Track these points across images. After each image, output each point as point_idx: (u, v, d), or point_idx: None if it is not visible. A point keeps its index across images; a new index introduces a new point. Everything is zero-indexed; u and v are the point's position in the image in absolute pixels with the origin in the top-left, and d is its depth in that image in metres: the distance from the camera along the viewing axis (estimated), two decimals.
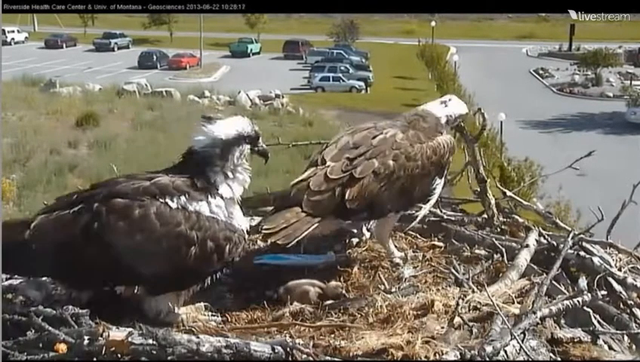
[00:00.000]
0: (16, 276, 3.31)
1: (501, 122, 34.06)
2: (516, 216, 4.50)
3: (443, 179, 4.06)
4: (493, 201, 4.48)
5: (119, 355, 2.58)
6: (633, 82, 53.24)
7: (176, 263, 3.02)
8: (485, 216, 4.52)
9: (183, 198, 3.07)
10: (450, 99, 4.27)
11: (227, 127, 3.20)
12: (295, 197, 3.61)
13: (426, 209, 4.05)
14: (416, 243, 4.29)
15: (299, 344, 2.70)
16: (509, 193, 4.65)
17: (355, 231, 4.33)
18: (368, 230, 4.37)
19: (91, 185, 3.29)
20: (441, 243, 4.27)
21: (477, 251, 4.09)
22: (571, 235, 3.90)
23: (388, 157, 3.79)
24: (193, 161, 3.17)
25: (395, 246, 4.12)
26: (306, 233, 3.58)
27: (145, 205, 3.01)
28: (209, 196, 3.13)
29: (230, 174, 3.21)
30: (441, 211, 4.57)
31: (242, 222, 3.25)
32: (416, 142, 3.90)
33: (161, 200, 3.03)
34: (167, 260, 3.00)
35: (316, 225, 3.61)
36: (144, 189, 3.05)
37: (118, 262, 2.95)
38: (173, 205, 3.04)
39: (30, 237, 3.00)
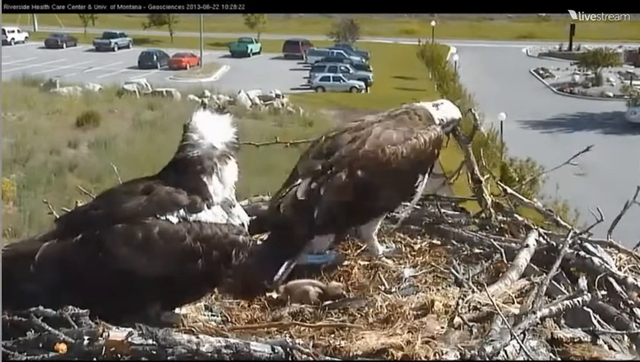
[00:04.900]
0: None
1: (501, 122, 34.08)
2: (516, 216, 4.50)
3: (426, 174, 4.01)
4: (489, 202, 4.48)
5: (119, 355, 2.58)
6: (633, 82, 53.22)
7: (185, 277, 3.00)
8: (483, 216, 4.51)
9: (182, 211, 3.03)
10: (442, 103, 4.27)
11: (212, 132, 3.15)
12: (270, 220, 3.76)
13: (410, 207, 4.03)
14: (415, 243, 4.29)
15: (299, 344, 2.70)
16: (509, 190, 4.64)
17: None
18: None
19: (92, 204, 3.23)
20: (440, 242, 4.25)
21: (477, 251, 4.09)
22: (571, 234, 3.89)
23: (355, 168, 3.75)
24: (183, 167, 3.12)
25: (385, 243, 4.14)
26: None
27: (147, 226, 2.96)
28: (206, 202, 3.08)
29: (220, 174, 3.15)
30: (440, 212, 4.56)
31: (242, 215, 3.22)
32: (393, 142, 3.85)
33: (162, 218, 2.99)
34: (177, 276, 2.98)
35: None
36: (144, 209, 2.99)
37: (126, 286, 2.92)
38: (174, 219, 3.01)
39: (35, 270, 2.94)
